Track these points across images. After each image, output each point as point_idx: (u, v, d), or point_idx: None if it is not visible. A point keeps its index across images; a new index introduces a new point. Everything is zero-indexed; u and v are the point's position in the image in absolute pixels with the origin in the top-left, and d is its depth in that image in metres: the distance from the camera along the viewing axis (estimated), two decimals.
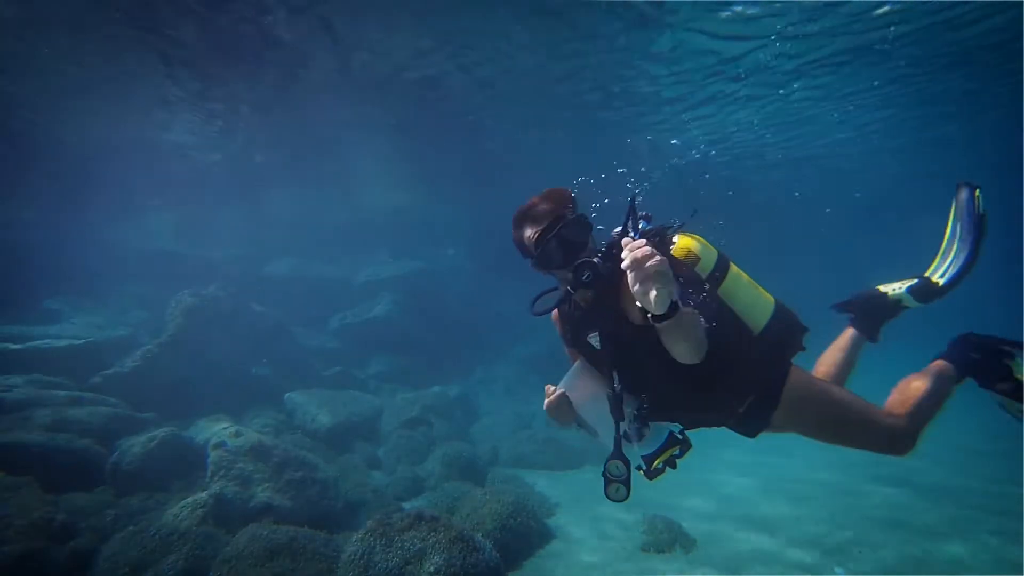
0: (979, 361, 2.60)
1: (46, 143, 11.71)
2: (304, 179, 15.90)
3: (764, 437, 2.62)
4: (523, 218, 2.14)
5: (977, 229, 2.75)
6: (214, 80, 8.55)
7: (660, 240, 2.16)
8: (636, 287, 1.60)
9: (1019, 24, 7.34)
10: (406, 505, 6.60)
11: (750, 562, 5.19)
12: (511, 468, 8.53)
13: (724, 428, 2.44)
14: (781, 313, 2.33)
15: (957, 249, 2.81)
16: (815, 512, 6.32)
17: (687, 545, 5.56)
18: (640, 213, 2.12)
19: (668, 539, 5.63)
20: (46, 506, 4.88)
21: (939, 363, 2.62)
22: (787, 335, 2.34)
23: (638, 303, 1.64)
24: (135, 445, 6.35)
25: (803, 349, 2.40)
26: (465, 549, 4.47)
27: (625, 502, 2.17)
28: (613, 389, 2.16)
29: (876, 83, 9.48)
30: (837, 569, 4.99)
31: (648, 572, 5.14)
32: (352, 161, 13.71)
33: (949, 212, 2.87)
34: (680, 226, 2.23)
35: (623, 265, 1.62)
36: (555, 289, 2.35)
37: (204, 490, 5.68)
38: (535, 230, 2.09)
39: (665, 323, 1.70)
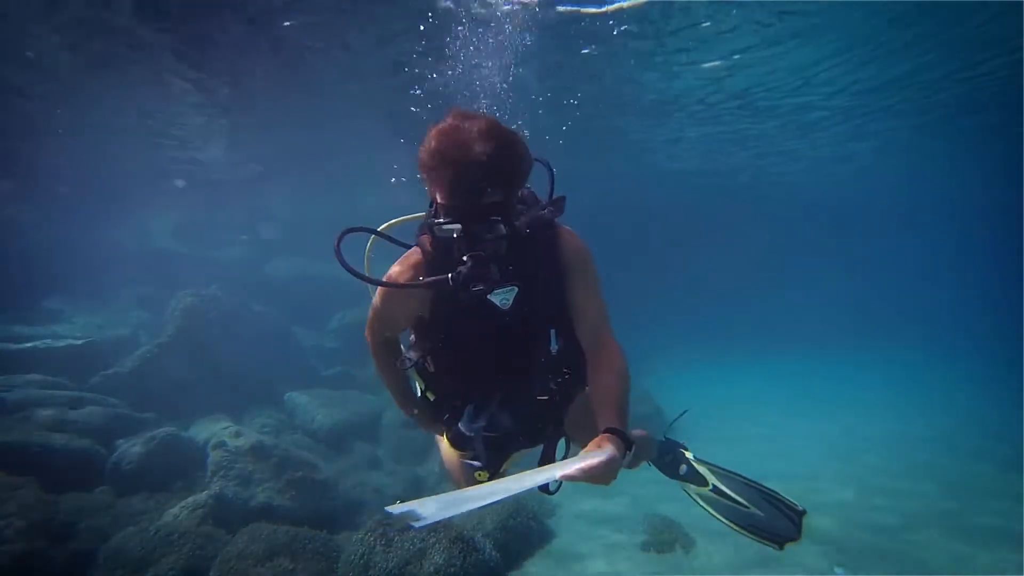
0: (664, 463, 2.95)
1: (45, 143, 11.70)
2: (304, 178, 15.88)
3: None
4: (465, 164, 1.53)
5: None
6: (215, 74, 8.51)
7: (551, 223, 1.87)
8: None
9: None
10: None
11: (751, 562, 5.19)
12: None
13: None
14: None
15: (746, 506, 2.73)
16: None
17: (687, 545, 5.56)
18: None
19: (668, 539, 5.62)
20: (46, 506, 4.88)
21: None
22: None
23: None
24: (135, 445, 6.35)
25: None
26: (465, 549, 4.49)
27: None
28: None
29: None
30: (837, 569, 4.99)
31: (648, 572, 5.14)
32: (352, 159, 13.68)
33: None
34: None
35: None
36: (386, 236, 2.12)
37: (204, 490, 5.69)
38: (469, 203, 1.57)
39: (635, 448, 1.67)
